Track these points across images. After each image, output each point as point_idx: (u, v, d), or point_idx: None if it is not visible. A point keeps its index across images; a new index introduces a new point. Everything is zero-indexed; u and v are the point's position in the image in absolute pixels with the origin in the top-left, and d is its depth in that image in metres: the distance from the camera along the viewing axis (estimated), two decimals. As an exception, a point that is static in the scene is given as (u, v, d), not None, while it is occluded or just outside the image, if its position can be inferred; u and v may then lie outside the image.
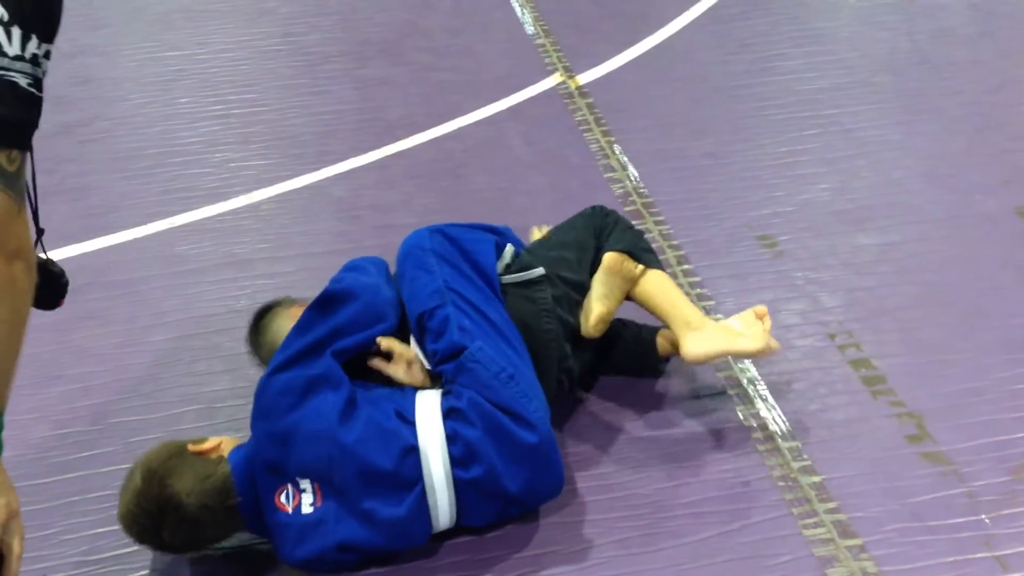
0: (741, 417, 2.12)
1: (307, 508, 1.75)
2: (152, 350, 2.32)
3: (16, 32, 1.04)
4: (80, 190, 2.82)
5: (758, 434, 2.07)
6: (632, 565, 1.82)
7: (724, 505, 1.93)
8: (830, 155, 2.94)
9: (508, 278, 2.01)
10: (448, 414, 1.79)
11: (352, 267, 2.03)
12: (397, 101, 3.30)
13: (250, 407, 1.83)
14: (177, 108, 3.27)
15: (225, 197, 2.86)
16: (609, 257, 2.06)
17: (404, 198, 2.84)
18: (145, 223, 2.74)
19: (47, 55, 1.08)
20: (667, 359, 2.22)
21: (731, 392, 2.17)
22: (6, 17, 1.03)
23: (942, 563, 1.81)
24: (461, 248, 2.00)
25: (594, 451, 2.06)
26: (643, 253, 2.11)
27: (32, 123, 1.09)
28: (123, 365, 2.28)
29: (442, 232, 2.03)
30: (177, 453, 1.75)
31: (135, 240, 2.69)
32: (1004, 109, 3.13)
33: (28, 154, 1.10)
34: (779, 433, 2.07)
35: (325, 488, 1.76)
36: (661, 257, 2.55)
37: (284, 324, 2.01)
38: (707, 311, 2.38)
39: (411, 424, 1.78)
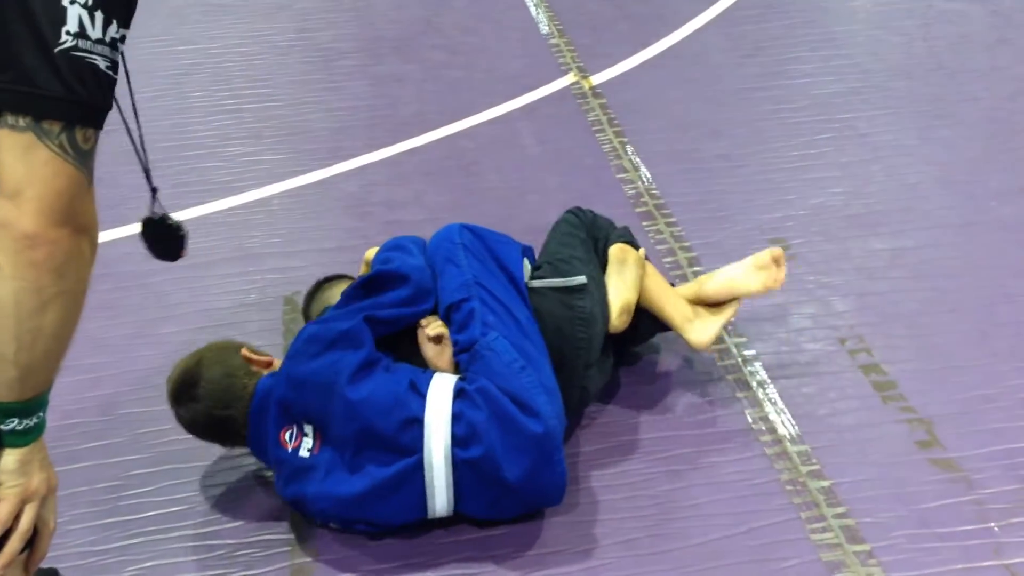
0: (750, 420, 2.11)
1: (304, 452, 1.83)
2: (162, 342, 2.33)
3: (99, 16, 1.09)
4: (100, 182, 2.83)
5: (766, 437, 2.07)
6: (638, 566, 1.82)
7: (731, 508, 1.92)
8: (844, 159, 2.93)
9: (548, 282, 2.03)
10: (458, 394, 1.81)
11: (396, 246, 2.08)
12: (410, 98, 3.30)
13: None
14: (190, 102, 3.28)
15: (237, 191, 2.87)
16: (616, 248, 2.13)
17: (416, 195, 2.84)
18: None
19: (123, 39, 1.12)
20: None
21: (740, 395, 2.17)
22: (90, 2, 1.07)
23: (950, 570, 1.79)
24: (489, 247, 2.05)
25: (600, 451, 2.05)
26: (632, 245, 2.18)
27: (108, 105, 1.14)
28: (133, 356, 2.29)
29: (471, 229, 2.08)
30: (233, 348, 1.93)
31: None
32: (1021, 116, 3.11)
33: (98, 134, 1.13)
34: (788, 437, 2.06)
35: (325, 436, 1.82)
36: (672, 259, 2.56)
37: (334, 296, 2.10)
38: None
39: (421, 397, 1.81)
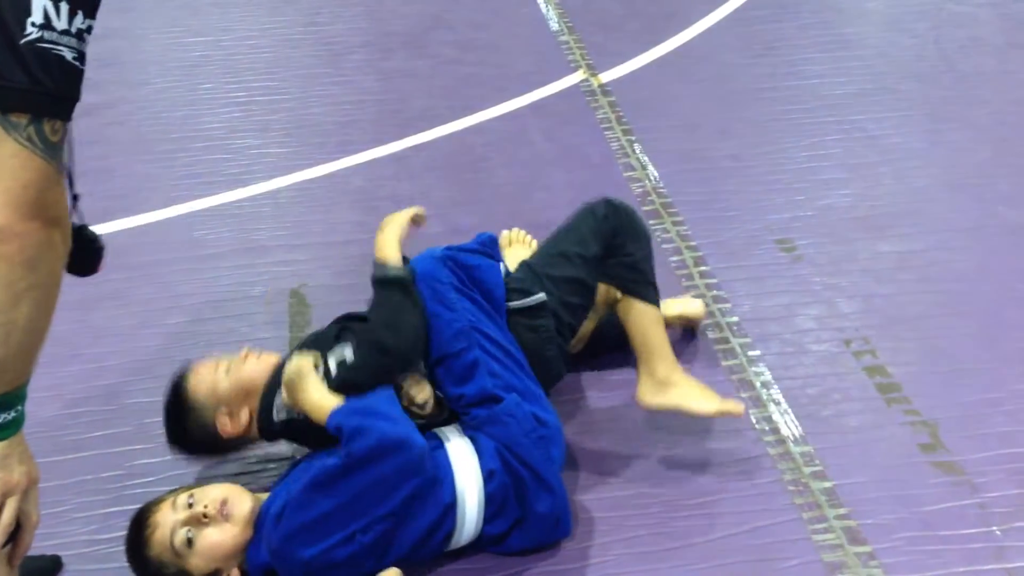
0: (753, 420, 2.11)
1: None
2: (168, 332, 2.33)
3: (64, 7, 1.08)
4: (102, 172, 2.84)
5: (770, 438, 2.06)
6: (639, 563, 1.82)
7: (734, 507, 1.92)
8: (853, 161, 2.92)
9: (510, 305, 1.95)
10: (488, 477, 1.77)
11: (359, 410, 1.72)
12: (419, 93, 3.30)
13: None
14: (200, 94, 3.28)
15: (245, 183, 2.87)
16: (601, 288, 2.04)
17: (423, 190, 2.84)
18: (165, 206, 2.76)
19: (89, 30, 1.12)
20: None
21: (744, 395, 2.16)
22: None
23: (952, 573, 1.79)
24: (473, 277, 1.95)
25: (603, 450, 2.05)
26: (633, 284, 2.03)
27: (75, 96, 1.13)
28: (139, 346, 2.29)
29: (453, 260, 1.95)
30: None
31: (155, 223, 2.70)
32: (1030, 120, 3.10)
33: (68, 126, 1.12)
34: (791, 438, 2.06)
35: None
36: (679, 257, 2.55)
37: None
38: (723, 313, 2.37)
39: (454, 505, 1.74)
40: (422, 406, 1.85)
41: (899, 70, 3.37)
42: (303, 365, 1.75)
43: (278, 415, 1.80)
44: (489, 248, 2.05)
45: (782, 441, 2.05)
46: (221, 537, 1.66)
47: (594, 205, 2.08)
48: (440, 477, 1.75)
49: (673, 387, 1.98)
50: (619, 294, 2.04)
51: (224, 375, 1.83)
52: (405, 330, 1.83)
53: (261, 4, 3.84)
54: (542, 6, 3.83)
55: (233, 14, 3.76)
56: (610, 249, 2.03)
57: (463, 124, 3.14)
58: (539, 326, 1.95)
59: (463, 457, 1.79)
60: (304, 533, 1.66)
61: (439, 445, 1.81)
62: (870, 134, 3.04)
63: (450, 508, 1.75)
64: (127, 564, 1.70)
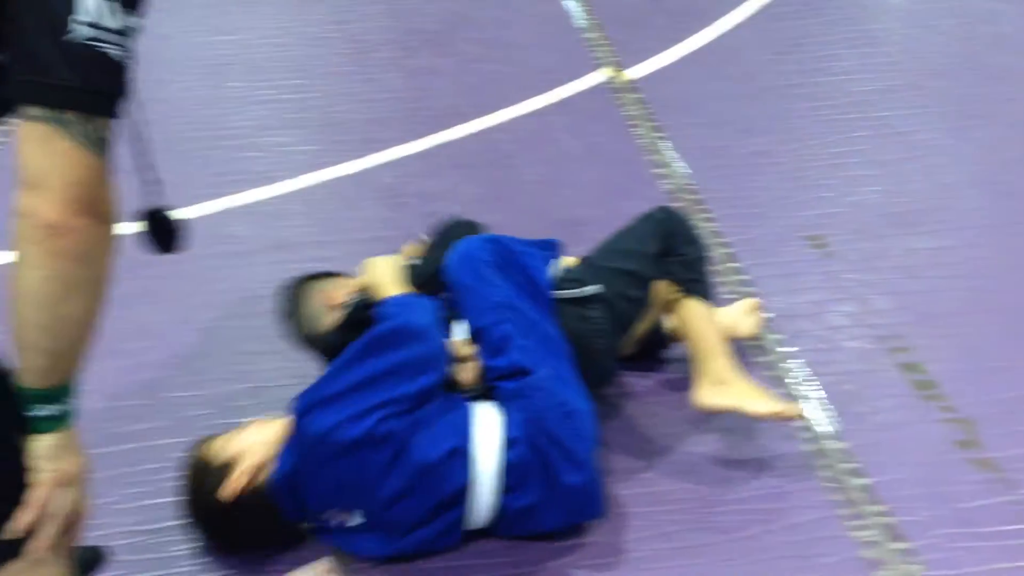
0: (788, 416, 2.10)
1: (350, 524, 1.79)
2: (203, 328, 2.35)
3: (112, 5, 1.09)
4: (132, 170, 2.85)
5: (805, 435, 2.06)
6: (676, 559, 1.82)
7: (770, 503, 1.92)
8: (881, 157, 2.92)
9: (562, 294, 1.98)
10: (508, 445, 1.78)
11: (400, 303, 1.91)
12: (445, 91, 3.30)
13: (297, 389, 1.84)
14: (228, 92, 3.30)
15: (274, 181, 2.88)
16: (660, 286, 2.05)
17: (450, 187, 2.85)
18: (196, 204, 2.77)
19: (137, 28, 1.12)
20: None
21: (778, 392, 2.16)
22: None
23: (990, 569, 1.79)
24: (515, 261, 1.97)
25: (639, 446, 2.06)
26: (689, 283, 2.06)
27: (124, 94, 1.13)
28: (175, 342, 2.31)
29: (496, 242, 1.99)
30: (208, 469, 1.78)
31: (187, 220, 2.70)
32: (1060, 117, 3.09)
33: (115, 123, 1.13)
34: (827, 434, 2.06)
35: (369, 516, 1.78)
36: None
37: (317, 304, 2.07)
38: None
39: (465, 458, 1.76)
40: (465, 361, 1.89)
41: (926, 67, 3.36)
42: (392, 258, 2.02)
43: (349, 302, 2.00)
44: (546, 247, 2.07)
45: (818, 438, 2.05)
46: (260, 428, 1.82)
47: (652, 210, 2.15)
48: (458, 422, 1.78)
49: (730, 387, 1.96)
50: (674, 296, 2.05)
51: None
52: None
53: (288, 3, 3.85)
54: (567, 3, 3.83)
55: (260, 13, 3.77)
56: (667, 249, 2.06)
57: (489, 122, 3.15)
58: (590, 317, 1.96)
59: (487, 420, 1.80)
60: (321, 406, 1.74)
61: (465, 404, 1.83)
62: (898, 130, 3.03)
63: (461, 456, 1.75)
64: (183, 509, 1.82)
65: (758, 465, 2.00)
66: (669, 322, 2.18)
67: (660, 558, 1.82)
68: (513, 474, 1.77)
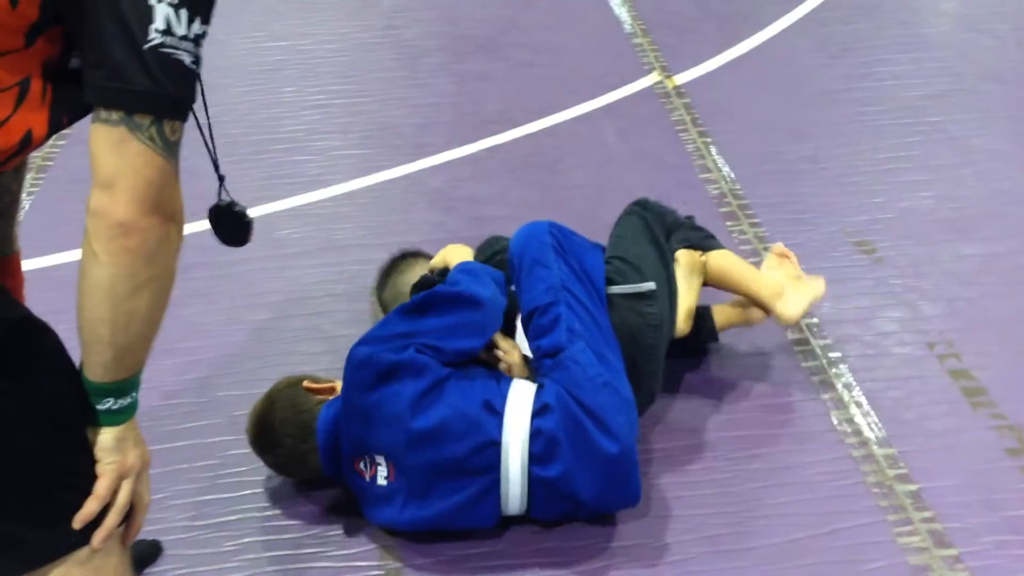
0: (835, 422, 2.10)
1: (381, 480, 1.83)
2: (255, 328, 2.40)
3: (184, 14, 1.13)
4: (189, 173, 2.87)
5: (852, 439, 2.06)
6: (720, 562, 1.83)
7: (816, 508, 1.92)
8: (933, 163, 2.89)
9: (618, 289, 2.01)
10: (538, 412, 1.81)
11: (468, 270, 2.00)
12: (494, 96, 3.34)
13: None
14: (281, 96, 3.36)
15: (325, 184, 2.93)
16: (682, 254, 2.13)
17: (499, 191, 2.88)
18: (249, 206, 2.81)
19: (205, 35, 1.16)
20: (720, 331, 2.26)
21: (825, 397, 2.16)
22: (176, 0, 1.11)
23: (1041, 579, 1.77)
24: (573, 249, 2.02)
25: (684, 449, 2.06)
26: (704, 240, 2.19)
27: (193, 98, 1.17)
28: (228, 342, 2.36)
29: (558, 229, 2.05)
30: (294, 383, 1.92)
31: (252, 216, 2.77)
32: (1117, 122, 3.04)
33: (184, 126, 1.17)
34: (874, 440, 2.05)
35: (398, 467, 1.82)
36: (756, 259, 2.55)
37: (409, 280, 2.15)
38: (804, 315, 2.35)
39: (498, 415, 1.80)
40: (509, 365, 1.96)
41: (979, 71, 3.32)
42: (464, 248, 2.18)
43: (428, 273, 2.14)
44: (598, 248, 2.11)
45: (865, 443, 2.05)
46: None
47: (627, 210, 2.24)
48: (496, 383, 1.85)
49: (790, 290, 2.13)
50: (698, 258, 2.15)
51: None
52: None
53: (339, 8, 3.91)
54: (615, 8, 3.84)
55: (312, 19, 3.84)
56: (667, 228, 2.18)
57: (538, 126, 3.17)
58: (646, 312, 1.99)
59: (521, 391, 1.84)
60: (369, 338, 1.86)
61: (507, 379, 1.88)
62: (951, 135, 3.00)
63: (495, 414, 1.79)
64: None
65: (803, 470, 2.00)
66: (717, 317, 2.21)
67: (704, 560, 1.83)
68: (542, 441, 1.78)
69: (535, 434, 1.79)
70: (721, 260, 2.16)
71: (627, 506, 1.87)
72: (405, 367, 1.80)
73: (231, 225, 1.53)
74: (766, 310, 2.14)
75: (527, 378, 1.93)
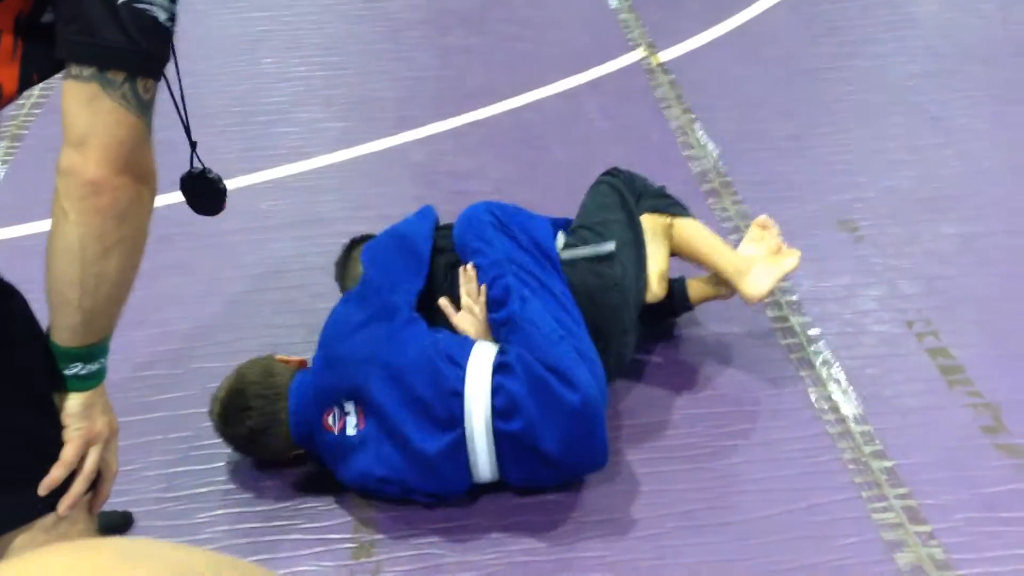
0: (813, 399, 2.10)
1: (351, 430, 1.83)
2: (232, 300, 2.38)
3: None
4: (167, 143, 2.84)
5: (829, 416, 2.06)
6: (696, 536, 1.83)
7: (792, 484, 1.92)
8: (917, 143, 2.89)
9: (578, 252, 2.02)
10: (497, 368, 1.82)
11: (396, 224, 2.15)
12: (477, 70, 3.31)
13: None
14: (262, 68, 3.33)
15: (306, 156, 2.91)
16: (646, 218, 2.14)
17: (481, 166, 2.86)
18: (229, 178, 2.78)
19: None
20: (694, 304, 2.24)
21: (803, 374, 2.16)
22: None
23: (1013, 555, 1.78)
24: (519, 222, 2.05)
25: (660, 424, 2.06)
26: (670, 207, 2.18)
27: (167, 56, 1.15)
28: (204, 313, 2.34)
29: (498, 207, 2.09)
30: (264, 358, 1.94)
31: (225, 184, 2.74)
32: (1101, 104, 3.04)
33: (157, 85, 1.15)
34: (851, 417, 2.05)
35: (367, 409, 1.83)
36: (737, 236, 2.54)
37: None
38: (782, 292, 2.36)
39: (460, 368, 1.82)
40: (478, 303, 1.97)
41: (964, 51, 3.31)
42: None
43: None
44: (559, 223, 2.13)
45: (842, 420, 2.05)
46: None
47: (600, 178, 2.24)
48: (460, 340, 1.89)
49: (758, 267, 2.09)
50: (664, 222, 2.13)
51: None
52: None
53: (322, -20, 3.87)
54: (601, -16, 3.81)
55: (295, -10, 3.79)
56: (635, 193, 2.18)
57: (521, 101, 3.15)
58: (604, 273, 1.99)
59: (483, 349, 1.86)
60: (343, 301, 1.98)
61: (471, 341, 1.89)
62: (934, 115, 3.00)
63: (458, 367, 1.81)
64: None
65: (780, 446, 2.00)
66: (691, 288, 2.20)
67: (680, 535, 1.83)
68: (504, 396, 1.79)
69: (496, 389, 1.80)
70: (688, 228, 2.14)
71: (596, 466, 1.87)
72: (379, 312, 1.89)
73: (205, 193, 1.50)
74: (730, 287, 2.13)
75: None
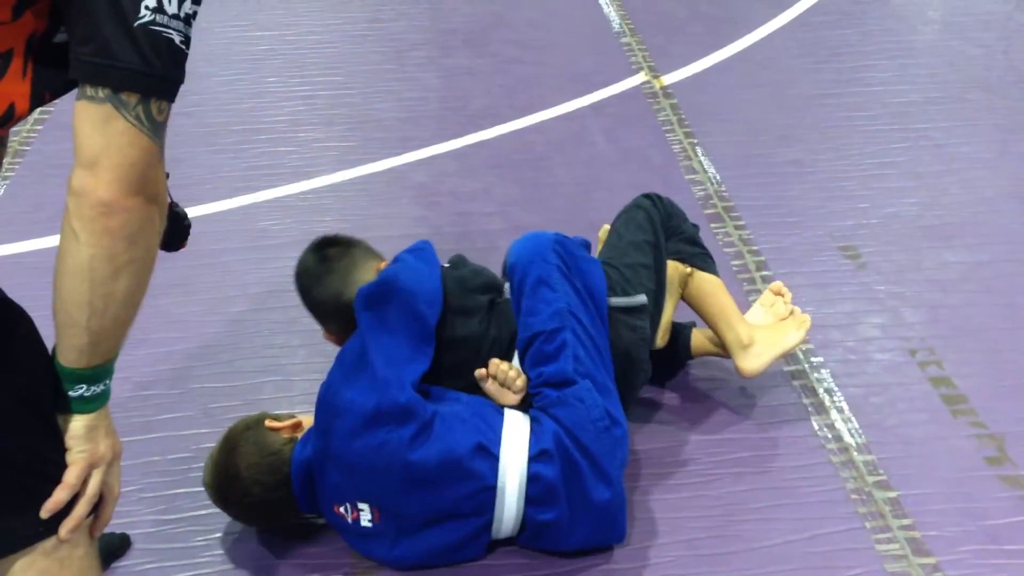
0: (815, 427, 2.09)
1: (365, 523, 1.76)
2: (233, 320, 2.37)
3: None
4: (170, 161, 2.86)
5: (832, 445, 2.05)
6: (699, 566, 1.81)
7: (795, 513, 1.90)
8: (919, 169, 2.89)
9: (614, 302, 1.95)
10: (536, 456, 1.75)
11: (396, 259, 1.99)
12: (480, 92, 3.31)
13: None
14: (265, 87, 3.33)
15: (308, 176, 2.90)
16: (669, 266, 2.07)
17: (484, 187, 2.86)
18: (231, 196, 2.79)
19: (195, 15, 1.14)
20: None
21: (806, 402, 2.15)
22: None
23: (1018, 589, 1.77)
24: (578, 267, 1.94)
25: (665, 452, 2.05)
26: (695, 257, 2.11)
27: (180, 78, 1.15)
28: (205, 333, 2.33)
29: (562, 245, 1.96)
30: (254, 425, 1.79)
31: (221, 212, 2.74)
32: (1102, 133, 3.05)
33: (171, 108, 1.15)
34: (854, 446, 2.04)
35: (383, 510, 1.75)
36: (740, 262, 2.54)
37: (358, 279, 1.96)
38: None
39: (494, 458, 1.74)
40: (518, 389, 1.86)
41: (966, 79, 3.33)
42: None
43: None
44: (583, 247, 2.04)
45: (845, 449, 2.04)
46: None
47: (637, 200, 2.15)
48: (489, 422, 1.77)
49: (760, 343, 2.04)
50: (684, 272, 2.08)
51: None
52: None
53: (328, 0, 3.88)
54: (604, 7, 3.83)
55: (298, 9, 3.80)
56: (668, 231, 2.11)
57: (524, 123, 3.16)
58: (638, 327, 1.95)
59: (516, 428, 1.78)
60: (340, 377, 1.78)
61: (499, 412, 1.81)
62: (936, 143, 3.01)
63: (490, 457, 1.72)
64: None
65: (782, 475, 1.98)
66: (694, 339, 2.17)
67: (681, 564, 1.82)
68: (540, 486, 1.75)
69: (533, 478, 1.75)
70: (705, 284, 2.08)
71: (611, 544, 1.84)
72: (387, 413, 1.71)
73: (169, 227, 1.38)
74: (728, 355, 2.08)
75: (519, 407, 1.87)
